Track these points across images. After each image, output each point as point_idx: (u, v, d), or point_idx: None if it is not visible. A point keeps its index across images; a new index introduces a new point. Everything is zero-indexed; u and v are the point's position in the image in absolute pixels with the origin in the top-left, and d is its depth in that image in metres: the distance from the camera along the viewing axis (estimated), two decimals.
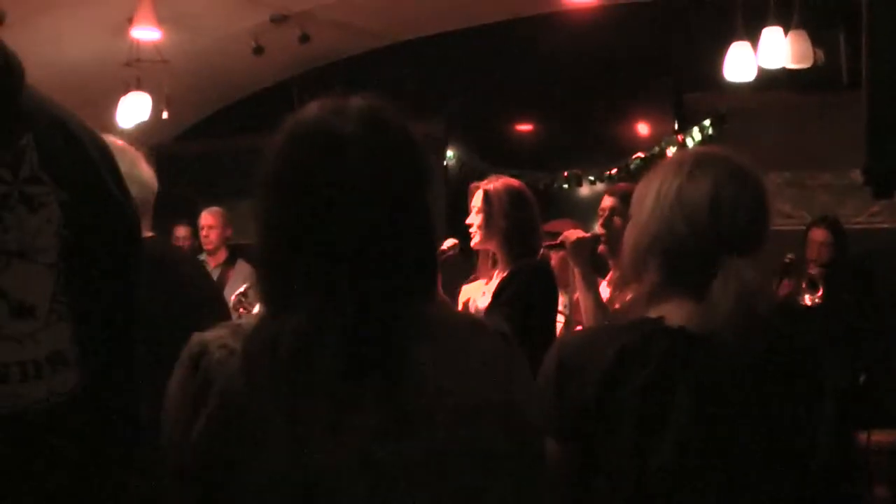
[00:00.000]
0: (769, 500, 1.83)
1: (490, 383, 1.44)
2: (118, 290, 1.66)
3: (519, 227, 3.88)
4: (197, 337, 1.44)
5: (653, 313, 1.91)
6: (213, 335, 1.43)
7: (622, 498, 1.79)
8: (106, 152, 1.70)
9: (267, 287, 1.47)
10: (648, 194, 1.96)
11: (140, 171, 2.86)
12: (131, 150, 2.81)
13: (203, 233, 7.36)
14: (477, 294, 4.03)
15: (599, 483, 1.82)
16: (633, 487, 1.77)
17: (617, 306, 3.96)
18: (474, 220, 3.92)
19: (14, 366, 1.49)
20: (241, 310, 5.23)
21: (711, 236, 1.87)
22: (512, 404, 1.45)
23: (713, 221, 1.87)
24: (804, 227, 6.46)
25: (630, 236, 1.99)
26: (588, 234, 4.07)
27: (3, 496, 1.49)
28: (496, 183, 3.97)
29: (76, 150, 1.63)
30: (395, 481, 1.34)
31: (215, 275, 6.90)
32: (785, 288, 6.13)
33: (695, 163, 1.94)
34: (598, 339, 1.97)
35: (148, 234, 2.79)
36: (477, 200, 3.93)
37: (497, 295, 3.74)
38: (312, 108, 1.46)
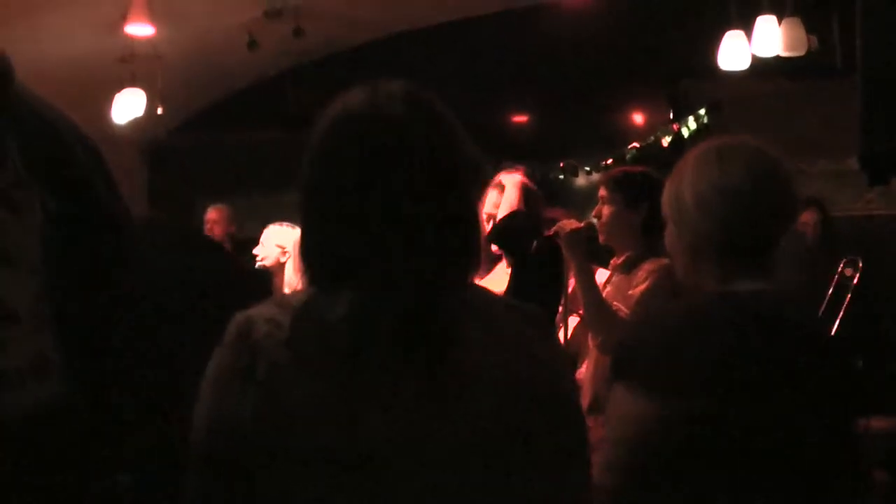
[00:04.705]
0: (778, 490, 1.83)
1: (527, 363, 1.46)
2: (103, 293, 1.64)
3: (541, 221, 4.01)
4: (241, 314, 1.43)
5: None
6: (259, 311, 1.43)
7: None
8: (95, 153, 1.67)
9: (316, 264, 1.46)
10: (683, 196, 1.98)
11: None
12: None
13: (207, 227, 7.38)
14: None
15: None
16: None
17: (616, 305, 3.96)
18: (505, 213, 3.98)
19: None
20: None
21: (762, 214, 1.94)
22: (548, 384, 1.48)
23: (756, 202, 1.93)
24: None
25: (677, 242, 2.01)
26: (581, 225, 4.07)
27: None
28: (519, 176, 4.07)
29: (64, 153, 1.60)
30: (442, 457, 1.37)
31: None
32: None
33: (719, 154, 1.98)
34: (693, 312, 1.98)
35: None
36: (511, 195, 3.97)
37: (511, 283, 3.80)
38: (358, 93, 1.47)
